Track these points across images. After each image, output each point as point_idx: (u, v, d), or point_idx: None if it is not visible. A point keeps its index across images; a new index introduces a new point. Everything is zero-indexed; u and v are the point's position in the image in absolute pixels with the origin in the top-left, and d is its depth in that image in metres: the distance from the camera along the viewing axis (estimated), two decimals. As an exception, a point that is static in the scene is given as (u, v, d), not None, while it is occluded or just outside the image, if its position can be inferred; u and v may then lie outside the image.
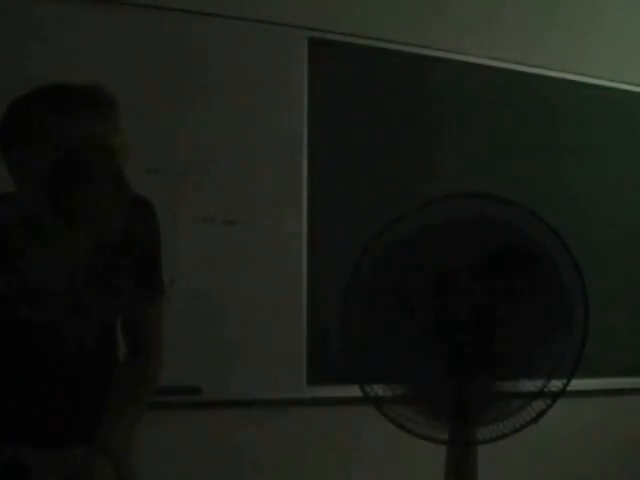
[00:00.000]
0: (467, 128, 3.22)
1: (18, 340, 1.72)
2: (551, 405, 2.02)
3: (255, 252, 2.86)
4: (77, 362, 1.77)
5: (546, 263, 2.01)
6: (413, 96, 3.15)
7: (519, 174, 3.27)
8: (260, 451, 2.86)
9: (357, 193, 3.03)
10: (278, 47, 2.90)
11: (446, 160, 3.18)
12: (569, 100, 3.40)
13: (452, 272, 2.01)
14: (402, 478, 2.94)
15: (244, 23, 2.85)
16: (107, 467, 1.65)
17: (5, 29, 2.51)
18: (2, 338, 1.71)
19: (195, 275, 2.76)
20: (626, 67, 3.51)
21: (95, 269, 1.74)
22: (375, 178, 3.06)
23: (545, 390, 2.02)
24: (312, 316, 2.92)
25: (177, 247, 2.67)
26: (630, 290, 3.48)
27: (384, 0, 3.08)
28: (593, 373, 3.09)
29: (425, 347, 2.01)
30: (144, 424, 1.81)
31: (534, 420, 2.01)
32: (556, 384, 2.02)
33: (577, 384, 2.09)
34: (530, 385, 2.03)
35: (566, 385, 2.02)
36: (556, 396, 2.02)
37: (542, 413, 2.01)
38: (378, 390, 2.05)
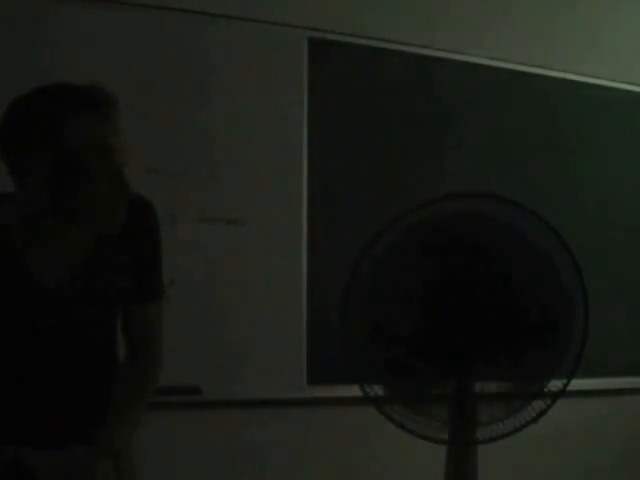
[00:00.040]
0: (467, 128, 3.22)
1: (18, 340, 1.72)
2: (551, 405, 2.02)
3: (255, 252, 2.86)
4: (77, 362, 1.77)
5: (546, 263, 2.01)
6: (413, 96, 3.15)
7: (519, 174, 3.27)
8: (260, 451, 2.86)
9: (357, 193, 3.03)
10: (278, 47, 2.90)
11: (446, 160, 3.18)
12: (569, 100, 3.40)
13: (452, 272, 2.01)
14: (402, 478, 2.94)
15: (244, 23, 2.85)
16: (108, 467, 1.65)
17: (5, 29, 2.51)
18: (2, 338, 1.71)
19: (195, 275, 2.75)
20: (626, 67, 3.51)
21: (95, 269, 1.74)
22: (375, 178, 3.06)
23: (545, 390, 2.02)
24: (312, 316, 2.92)
25: (177, 247, 2.67)
26: (630, 290, 3.48)
27: (384, 0, 3.07)
28: (593, 373, 3.09)
29: (425, 347, 2.01)
30: (144, 424, 1.81)
31: (534, 420, 2.01)
32: (556, 384, 2.02)
33: (577, 384, 2.09)
34: (530, 385, 2.03)
35: (566, 385, 2.02)
36: (556, 396, 2.02)
37: (542, 413, 2.02)
38: (378, 390, 2.05)
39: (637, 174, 3.54)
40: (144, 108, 2.63)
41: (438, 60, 3.17)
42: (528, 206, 2.04)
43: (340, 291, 2.06)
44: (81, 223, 1.65)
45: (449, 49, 3.18)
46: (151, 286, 1.85)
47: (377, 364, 2.07)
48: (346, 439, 2.98)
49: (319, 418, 2.96)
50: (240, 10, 2.84)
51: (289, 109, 2.92)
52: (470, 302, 1.98)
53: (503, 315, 2.01)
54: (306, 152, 2.94)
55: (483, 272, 2.01)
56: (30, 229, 1.67)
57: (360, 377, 2.05)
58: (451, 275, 2.01)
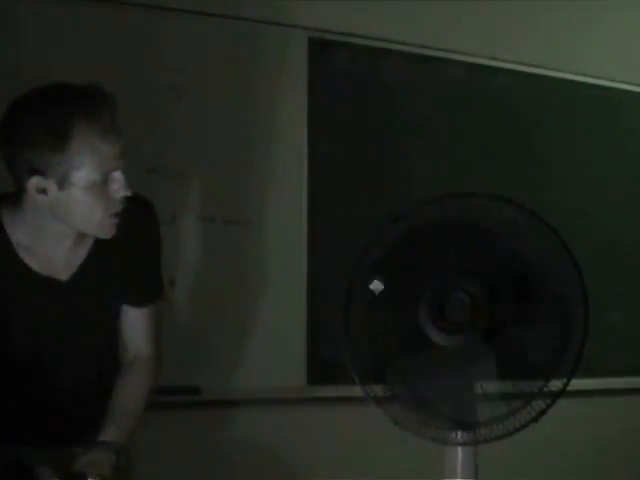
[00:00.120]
0: (467, 128, 3.22)
1: (18, 340, 1.72)
2: (551, 405, 2.02)
3: (255, 252, 2.86)
4: (77, 362, 1.77)
5: (546, 263, 2.01)
6: (413, 96, 3.15)
7: (519, 174, 3.27)
8: (260, 451, 2.86)
9: (357, 193, 3.03)
10: (278, 47, 2.90)
11: (446, 160, 3.18)
12: (569, 100, 3.40)
13: (452, 272, 2.01)
14: (402, 478, 2.94)
15: (244, 23, 2.85)
16: (107, 467, 1.65)
17: (5, 29, 2.51)
18: (2, 338, 1.71)
19: (195, 275, 2.75)
20: (626, 67, 3.51)
21: (95, 269, 1.74)
22: (375, 178, 3.06)
23: (545, 390, 2.02)
24: (312, 316, 2.92)
25: (177, 247, 2.67)
26: (630, 290, 3.48)
27: (384, 0, 3.07)
28: (593, 373, 3.08)
29: (425, 347, 2.01)
30: (144, 424, 1.81)
31: (534, 420, 2.01)
32: (556, 384, 2.02)
33: (577, 384, 2.09)
34: (530, 385, 2.03)
35: (566, 385, 2.02)
36: (556, 396, 2.02)
37: (542, 413, 2.01)
38: (378, 390, 2.05)
39: (637, 174, 3.54)
40: (144, 108, 2.63)
41: (437, 60, 3.17)
42: (528, 206, 2.04)
43: (340, 291, 2.06)
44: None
45: (449, 49, 3.18)
46: (151, 286, 1.85)
47: (377, 364, 2.07)
48: (346, 439, 2.97)
49: (319, 418, 2.96)
50: (240, 10, 2.84)
51: (289, 109, 2.92)
52: (470, 302, 1.98)
53: (503, 315, 2.01)
54: (306, 152, 2.94)
55: (484, 272, 2.00)
56: (30, 229, 1.67)
57: (360, 377, 2.04)
58: (451, 275, 2.01)
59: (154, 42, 2.71)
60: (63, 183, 1.57)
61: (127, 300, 1.82)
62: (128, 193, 1.63)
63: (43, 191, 1.58)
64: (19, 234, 1.67)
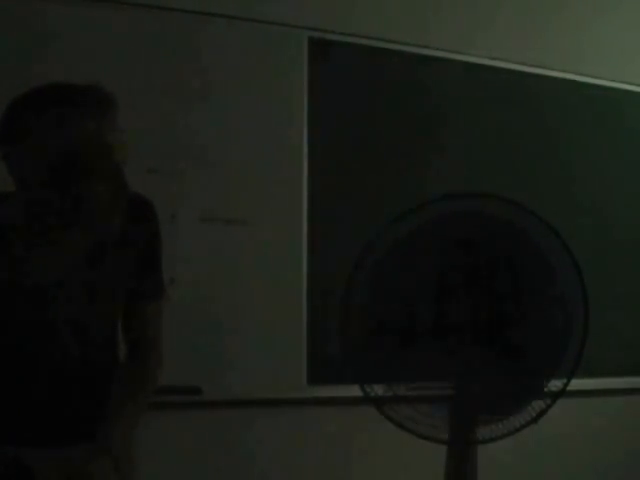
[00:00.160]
0: (467, 128, 3.21)
1: (18, 339, 1.72)
2: (551, 405, 2.02)
3: (255, 252, 2.86)
4: (77, 361, 1.77)
5: (546, 263, 2.01)
6: (413, 96, 3.15)
7: (519, 174, 3.27)
8: (260, 451, 2.86)
9: (357, 193, 3.03)
10: (278, 47, 2.90)
11: (446, 160, 3.17)
12: (569, 100, 3.40)
13: (452, 272, 2.01)
14: (402, 478, 2.94)
15: (244, 23, 2.85)
16: (107, 467, 1.65)
17: (4, 29, 2.51)
18: (2, 337, 1.71)
19: (195, 275, 2.75)
20: (626, 67, 3.51)
21: (95, 269, 1.74)
22: (375, 178, 3.06)
23: (545, 390, 2.02)
24: (312, 316, 2.92)
25: (177, 247, 2.67)
26: (630, 290, 3.48)
27: (384, 0, 3.07)
28: (593, 373, 3.09)
29: (425, 347, 2.01)
30: (144, 424, 1.81)
31: (534, 420, 2.01)
32: (556, 384, 2.02)
33: (577, 384, 2.09)
34: (530, 385, 2.03)
35: (566, 385, 2.02)
36: (556, 396, 2.02)
37: (542, 413, 2.02)
38: (378, 390, 2.05)
39: (637, 174, 3.54)
40: (144, 108, 2.63)
41: (437, 60, 3.17)
42: (528, 206, 2.04)
43: (340, 291, 2.06)
44: (81, 223, 1.65)
45: (449, 49, 3.18)
46: (151, 286, 1.85)
47: (377, 364, 2.07)
48: (346, 439, 2.97)
49: (319, 418, 2.96)
50: (240, 10, 2.84)
51: (289, 109, 2.92)
52: (470, 301, 1.98)
53: (503, 315, 2.01)
54: (306, 152, 2.94)
55: (484, 272, 2.00)
56: (30, 229, 1.67)
57: (360, 377, 2.05)
58: (451, 275, 2.01)
59: (154, 42, 2.71)
60: (62, 182, 1.56)
61: (127, 300, 1.82)
62: (128, 193, 1.63)
63: (42, 190, 1.57)
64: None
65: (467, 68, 3.22)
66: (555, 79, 3.37)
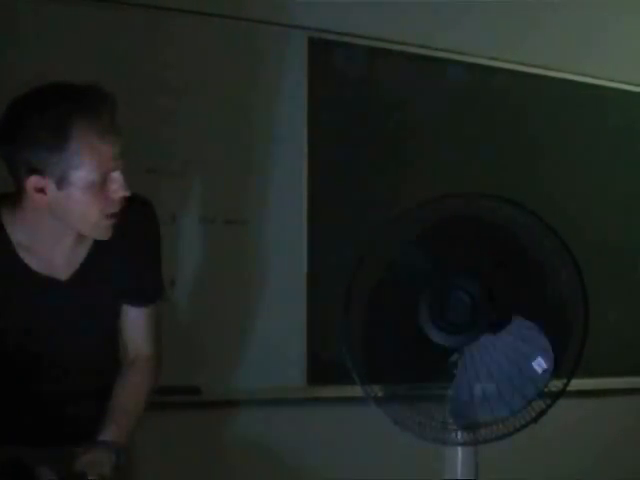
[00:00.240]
0: (467, 128, 3.22)
1: (17, 339, 1.72)
2: (551, 405, 2.02)
3: (255, 252, 2.86)
4: (77, 362, 1.77)
5: (546, 263, 2.01)
6: (413, 96, 3.15)
7: (519, 174, 3.27)
8: (260, 451, 2.86)
9: (357, 193, 3.03)
10: (278, 47, 2.90)
11: (446, 160, 3.17)
12: (569, 100, 3.40)
13: (452, 272, 2.01)
14: (402, 478, 2.94)
15: (244, 23, 2.85)
16: (107, 467, 1.65)
17: (5, 29, 2.51)
18: (1, 338, 1.71)
19: (195, 275, 2.75)
20: (626, 67, 3.51)
21: (95, 269, 1.74)
22: (375, 178, 3.06)
23: (545, 390, 2.02)
24: (312, 316, 2.92)
25: (177, 247, 2.67)
26: (630, 290, 3.48)
27: (384, 0, 3.07)
28: (593, 373, 3.08)
29: (425, 347, 2.01)
30: (144, 424, 1.81)
31: (534, 420, 2.01)
32: (556, 384, 2.02)
33: (577, 384, 2.09)
34: (530, 385, 2.03)
35: (566, 385, 2.02)
36: (556, 396, 2.02)
37: (542, 413, 2.01)
38: (378, 390, 2.05)
39: (637, 174, 3.54)
40: (144, 108, 2.63)
41: (437, 60, 3.17)
42: (528, 206, 2.04)
43: (340, 291, 2.06)
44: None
45: (449, 49, 3.18)
46: (151, 286, 1.85)
47: (377, 364, 2.06)
48: (346, 439, 2.97)
49: (319, 418, 2.96)
50: (240, 10, 2.83)
51: (289, 109, 2.92)
52: (470, 302, 1.98)
53: (503, 315, 2.01)
54: (306, 152, 2.94)
55: (483, 272, 2.00)
56: (30, 229, 1.67)
57: (360, 377, 2.04)
58: (451, 275, 2.01)
59: (154, 42, 2.71)
60: (62, 183, 1.57)
61: (127, 300, 1.82)
62: (127, 193, 1.63)
63: (42, 190, 1.58)
64: (19, 234, 1.67)
65: (467, 68, 3.22)
66: (555, 79, 3.37)
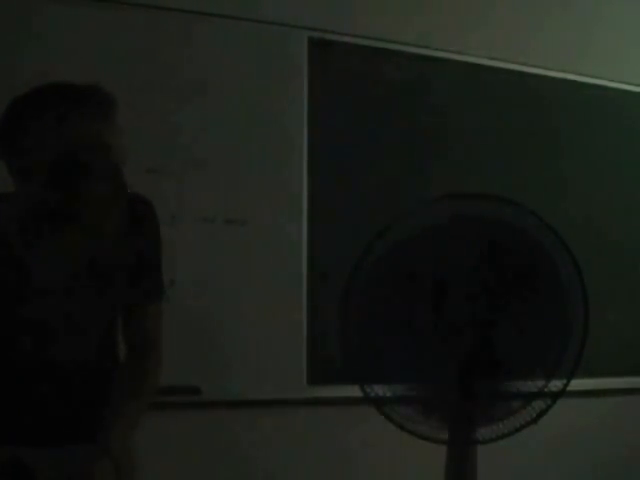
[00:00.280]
0: (467, 128, 3.21)
1: (17, 339, 1.72)
2: (551, 405, 2.02)
3: (255, 252, 2.86)
4: (77, 362, 1.77)
5: (546, 263, 2.01)
6: (413, 96, 3.15)
7: (519, 174, 3.27)
8: (260, 451, 2.86)
9: (357, 193, 3.03)
10: (278, 47, 2.90)
11: (446, 160, 3.17)
12: (569, 100, 3.40)
13: (452, 272, 2.01)
14: (402, 478, 2.94)
15: (244, 23, 2.85)
16: (107, 467, 1.65)
17: (5, 29, 2.51)
18: (1, 338, 1.71)
19: (195, 275, 2.75)
20: (626, 67, 3.51)
21: (95, 269, 1.74)
22: (375, 178, 3.06)
23: (545, 390, 2.02)
24: (312, 316, 2.92)
25: (177, 247, 2.67)
26: (630, 290, 3.48)
27: (384, 0, 3.07)
28: (593, 373, 3.09)
29: (425, 347, 2.01)
30: (144, 424, 1.80)
31: (534, 420, 2.01)
32: (556, 384, 2.02)
33: (577, 384, 2.09)
34: (530, 385, 2.03)
35: (566, 385, 2.02)
36: (556, 396, 2.02)
37: (542, 413, 2.02)
38: (378, 390, 2.05)
39: (637, 174, 3.54)
40: (144, 108, 2.63)
41: (437, 60, 3.17)
42: (528, 206, 2.04)
43: (340, 291, 2.06)
44: (80, 223, 1.65)
45: (448, 49, 3.18)
46: (151, 286, 1.85)
47: (377, 364, 2.06)
48: (346, 439, 2.97)
49: (319, 418, 2.96)
50: (240, 10, 2.84)
51: (289, 109, 2.92)
52: (470, 301, 1.98)
53: (503, 315, 2.01)
54: (306, 152, 2.94)
55: (483, 272, 2.00)
56: (30, 229, 1.67)
57: (360, 377, 2.04)
58: (451, 275, 2.01)
59: (154, 42, 2.71)
60: (62, 182, 1.57)
61: (127, 300, 1.82)
62: (127, 193, 1.63)
63: (42, 190, 1.58)
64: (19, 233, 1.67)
65: (467, 68, 3.22)
66: (555, 79, 3.37)
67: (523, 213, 2.02)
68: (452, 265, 2.02)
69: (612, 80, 3.47)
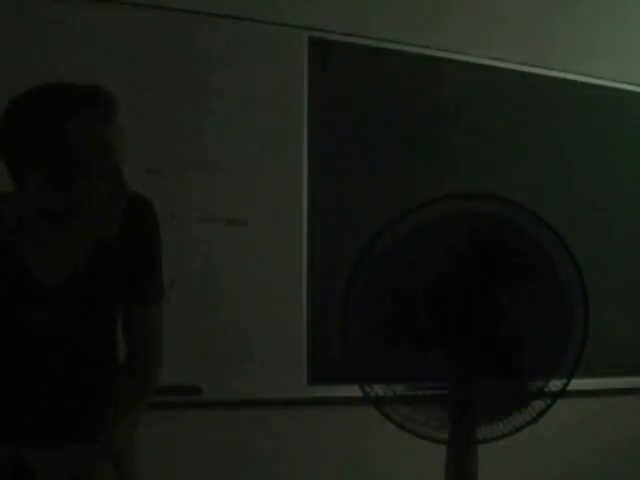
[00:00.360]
0: (467, 128, 3.21)
1: (17, 339, 1.72)
2: (551, 405, 2.02)
3: (255, 252, 2.86)
4: (77, 362, 1.77)
5: (546, 263, 2.01)
6: (413, 96, 3.15)
7: (519, 174, 3.27)
8: (260, 451, 2.86)
9: (357, 193, 3.03)
10: (278, 47, 2.90)
11: (446, 160, 3.17)
12: (569, 100, 3.40)
13: (452, 272, 2.01)
14: (402, 478, 2.94)
15: (244, 23, 2.85)
16: (108, 467, 1.65)
17: (5, 29, 2.51)
18: (1, 338, 1.71)
19: (195, 275, 2.75)
20: (626, 67, 3.51)
21: (95, 268, 1.74)
22: (375, 178, 3.06)
23: (545, 390, 2.02)
24: (312, 316, 2.92)
25: (177, 247, 2.67)
26: (630, 290, 3.48)
27: (384, 0, 3.07)
28: (593, 373, 3.09)
29: (425, 347, 2.01)
30: (144, 424, 1.80)
31: (534, 420, 2.01)
32: (556, 384, 2.02)
33: (577, 384, 2.09)
34: (530, 385, 2.03)
35: (566, 385, 2.02)
36: (556, 396, 2.02)
37: (542, 413, 2.01)
38: (378, 390, 2.05)
39: (637, 174, 3.54)
40: (144, 108, 2.63)
41: (438, 60, 3.17)
42: (528, 206, 2.04)
43: (340, 291, 2.06)
44: (80, 223, 1.65)
45: (449, 49, 3.18)
46: (151, 286, 1.85)
47: (377, 364, 2.07)
48: (346, 439, 2.97)
49: (319, 418, 2.96)
50: (240, 10, 2.84)
51: (289, 109, 2.92)
52: (470, 300, 1.98)
53: (503, 315, 2.01)
54: (306, 152, 2.94)
55: (483, 272, 2.00)
56: (30, 229, 1.67)
57: (360, 377, 2.04)
58: (452, 275, 2.01)
59: (154, 42, 2.71)
60: (62, 182, 1.57)
61: (127, 300, 1.82)
62: (127, 192, 1.63)
63: (42, 190, 1.58)
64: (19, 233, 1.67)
65: (467, 68, 3.22)
66: (555, 79, 3.37)
67: (523, 213, 2.02)
68: (452, 265, 2.02)
69: (613, 80, 3.47)
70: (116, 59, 2.60)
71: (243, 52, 2.85)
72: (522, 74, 3.31)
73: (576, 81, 3.41)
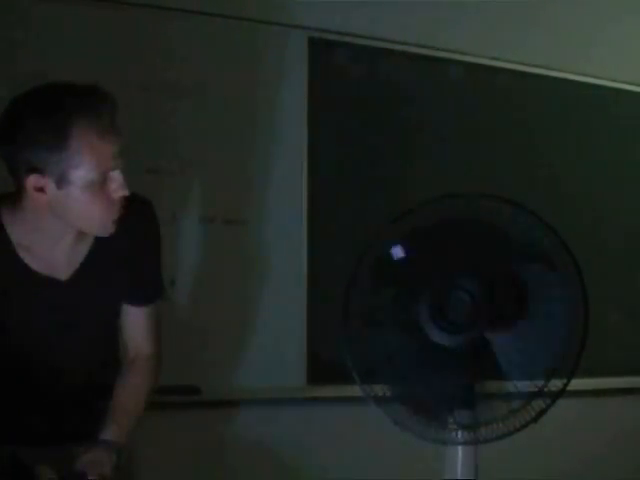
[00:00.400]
0: (467, 128, 3.22)
1: (17, 339, 1.72)
2: (551, 405, 2.02)
3: (255, 252, 2.86)
4: (77, 361, 1.77)
5: (546, 263, 2.01)
6: (413, 96, 3.15)
7: (519, 174, 3.27)
8: (260, 451, 2.86)
9: (357, 193, 3.03)
10: (278, 47, 2.90)
11: (446, 160, 3.17)
12: (569, 100, 3.40)
13: (452, 272, 2.01)
14: (402, 478, 2.94)
15: (244, 23, 2.85)
16: (108, 466, 1.65)
17: (5, 29, 2.51)
18: (1, 337, 1.71)
19: (195, 275, 2.75)
20: (626, 67, 3.51)
21: (95, 268, 1.74)
22: (375, 178, 3.06)
23: (545, 390, 2.01)
24: (312, 316, 2.92)
25: (177, 247, 2.67)
26: (630, 290, 3.48)
27: (384, 0, 3.07)
28: (593, 373, 3.08)
29: (425, 347, 2.01)
30: (144, 424, 1.81)
31: (534, 420, 2.01)
32: (556, 384, 2.02)
33: (577, 384, 2.09)
34: (530, 385, 2.03)
35: (566, 385, 2.02)
36: (556, 396, 2.02)
37: (542, 413, 2.01)
38: (378, 390, 2.05)
39: (637, 174, 3.54)
40: (144, 108, 2.63)
41: (438, 60, 3.17)
42: (528, 206, 2.04)
43: (340, 291, 2.06)
44: (80, 222, 1.65)
45: (449, 49, 3.18)
46: (151, 286, 1.86)
47: (377, 364, 2.07)
48: (346, 439, 2.97)
49: (319, 418, 2.96)
50: (240, 10, 2.83)
51: (289, 109, 2.92)
52: (470, 301, 1.98)
53: (503, 315, 2.01)
54: (306, 152, 2.94)
55: (483, 272, 2.00)
56: (30, 228, 1.67)
57: (360, 377, 2.04)
58: (451, 275, 2.01)
59: (154, 42, 2.71)
60: (61, 182, 1.57)
61: (127, 299, 1.82)
62: (126, 193, 1.63)
63: (41, 190, 1.58)
64: (19, 234, 1.67)
65: (467, 68, 3.22)
66: (555, 79, 3.37)
67: (523, 213, 2.02)
68: (452, 264, 2.02)
69: (613, 80, 3.47)
70: (116, 59, 2.60)
71: (243, 52, 2.85)
72: (522, 74, 3.31)
73: (575, 81, 3.41)
